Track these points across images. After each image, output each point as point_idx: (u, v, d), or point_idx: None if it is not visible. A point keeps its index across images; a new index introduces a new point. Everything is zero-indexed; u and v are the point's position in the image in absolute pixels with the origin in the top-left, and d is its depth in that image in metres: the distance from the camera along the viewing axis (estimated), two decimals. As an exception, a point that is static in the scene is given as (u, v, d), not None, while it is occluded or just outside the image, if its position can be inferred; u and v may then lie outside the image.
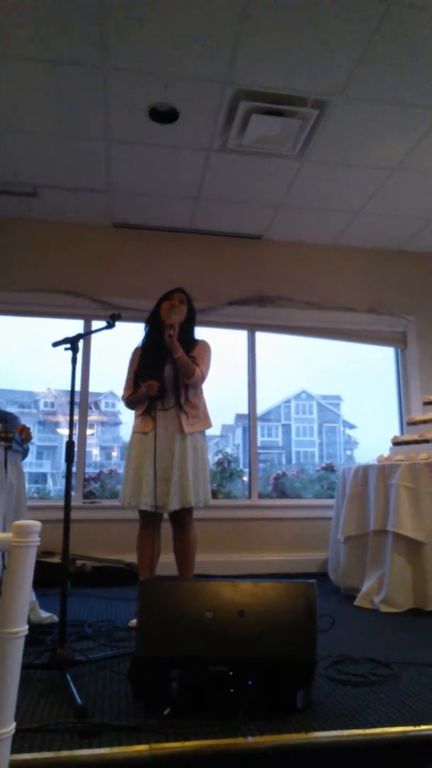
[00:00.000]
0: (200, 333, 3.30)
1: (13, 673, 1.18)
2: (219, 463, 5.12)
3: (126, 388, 3.16)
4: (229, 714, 1.73)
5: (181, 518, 3.03)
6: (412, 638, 2.76)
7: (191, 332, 3.22)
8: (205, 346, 3.20)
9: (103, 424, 5.60)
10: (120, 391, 3.22)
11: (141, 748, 1.57)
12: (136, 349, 3.24)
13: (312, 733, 1.67)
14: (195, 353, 3.11)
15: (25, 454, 3.04)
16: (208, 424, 3.16)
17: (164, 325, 3.01)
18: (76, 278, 4.63)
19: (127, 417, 3.28)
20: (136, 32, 2.77)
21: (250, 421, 4.94)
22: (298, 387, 6.06)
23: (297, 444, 5.98)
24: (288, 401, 6.03)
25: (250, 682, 1.80)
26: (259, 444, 4.97)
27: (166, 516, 3.06)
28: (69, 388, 2.45)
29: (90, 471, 4.86)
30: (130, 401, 3.14)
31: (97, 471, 5.00)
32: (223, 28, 2.73)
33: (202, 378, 3.10)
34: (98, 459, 5.36)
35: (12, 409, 4.56)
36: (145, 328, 3.24)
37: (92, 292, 4.64)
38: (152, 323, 3.19)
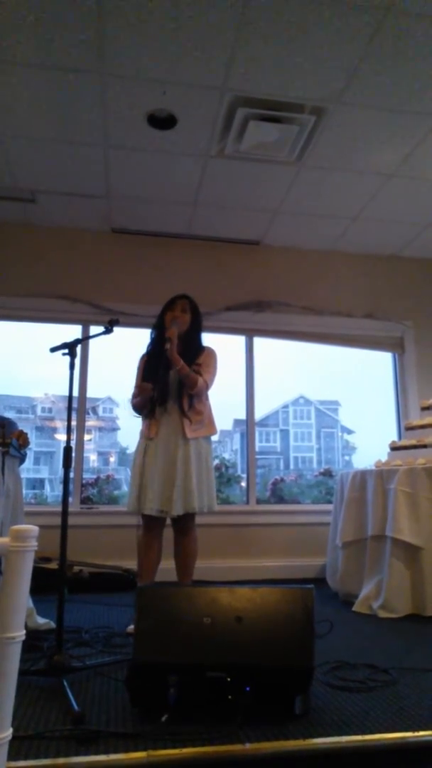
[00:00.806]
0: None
1: (9, 679, 1.18)
2: (217, 468, 5.10)
3: (134, 395, 3.18)
4: (227, 720, 1.73)
5: (184, 523, 3.03)
6: (410, 644, 2.75)
7: (197, 340, 3.23)
8: (210, 354, 3.21)
9: (100, 429, 5.59)
10: (118, 396, 3.23)
11: (138, 754, 1.56)
12: (143, 356, 3.24)
13: (310, 739, 1.66)
14: (200, 361, 3.12)
15: (22, 459, 3.03)
16: (213, 431, 3.17)
17: (166, 336, 3.02)
18: (74, 283, 4.64)
19: (125, 423, 3.29)
20: (134, 38, 2.78)
21: (248, 426, 4.93)
22: (296, 392, 6.07)
23: (295, 449, 5.97)
24: (286, 406, 6.03)
25: (247, 688, 1.79)
26: (257, 449, 4.97)
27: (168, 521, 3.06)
28: (67, 393, 2.45)
29: (87, 477, 4.85)
30: (134, 405, 3.15)
31: (95, 477, 4.99)
32: (221, 34, 2.75)
33: (206, 387, 3.11)
34: (96, 465, 5.35)
35: (9, 415, 4.55)
36: (150, 335, 3.25)
37: (90, 297, 4.64)
38: (157, 330, 3.20)
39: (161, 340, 3.09)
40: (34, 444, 5.28)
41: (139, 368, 3.23)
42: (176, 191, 4.16)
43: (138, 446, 3.12)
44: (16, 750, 1.54)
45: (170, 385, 3.06)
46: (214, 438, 3.31)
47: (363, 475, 3.77)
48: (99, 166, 3.84)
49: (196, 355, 3.14)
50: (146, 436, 3.05)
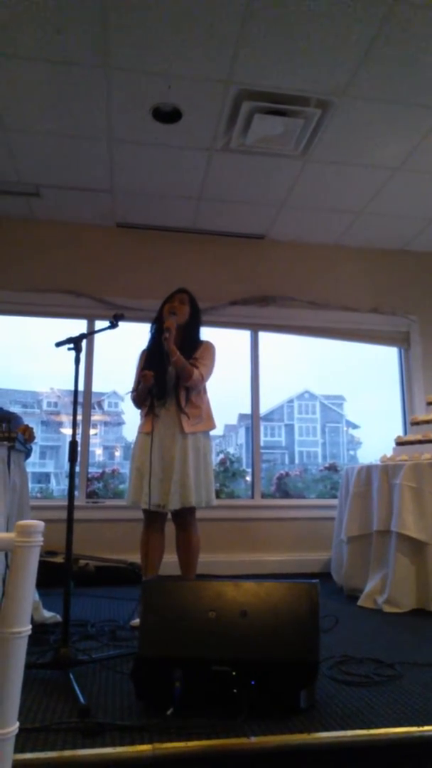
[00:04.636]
0: (203, 333, 3.30)
1: (16, 672, 1.18)
2: (221, 463, 5.12)
3: (133, 388, 3.18)
4: (232, 714, 1.74)
5: (183, 518, 3.04)
6: (415, 638, 2.76)
7: (195, 333, 3.23)
8: (208, 348, 3.20)
9: (106, 423, 5.60)
10: (122, 391, 3.23)
11: (144, 747, 1.57)
12: (143, 352, 3.25)
13: (315, 733, 1.67)
14: (198, 354, 3.12)
15: (28, 454, 3.04)
16: (211, 425, 3.17)
17: (165, 327, 3.02)
18: (78, 278, 4.64)
19: (130, 417, 3.30)
20: (138, 32, 2.77)
21: (252, 420, 4.93)
22: (301, 387, 6.06)
23: (300, 444, 5.97)
24: (291, 401, 6.02)
25: (252, 682, 1.80)
26: (262, 444, 4.96)
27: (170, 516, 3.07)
28: (72, 388, 2.46)
29: (93, 471, 4.86)
30: (135, 398, 3.16)
31: (100, 471, 5.00)
32: (226, 27, 2.73)
33: (201, 380, 3.10)
34: (101, 459, 5.36)
35: (15, 409, 4.56)
36: (150, 330, 3.26)
37: (95, 292, 4.64)
38: (157, 325, 3.21)
39: (160, 334, 3.09)
40: (40, 438, 5.29)
41: (138, 363, 3.23)
42: (181, 185, 4.14)
43: (136, 441, 3.13)
44: (23, 743, 1.55)
45: (168, 380, 3.06)
46: (214, 432, 3.30)
47: (368, 470, 3.77)
48: (103, 160, 3.83)
49: (194, 349, 3.13)
50: (144, 431, 3.06)
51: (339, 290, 5.02)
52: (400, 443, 4.02)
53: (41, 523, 1.23)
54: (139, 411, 3.19)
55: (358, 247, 5.11)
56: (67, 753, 1.55)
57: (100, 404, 5.38)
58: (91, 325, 4.68)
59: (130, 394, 3.18)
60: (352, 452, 5.95)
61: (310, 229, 4.82)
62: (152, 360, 3.10)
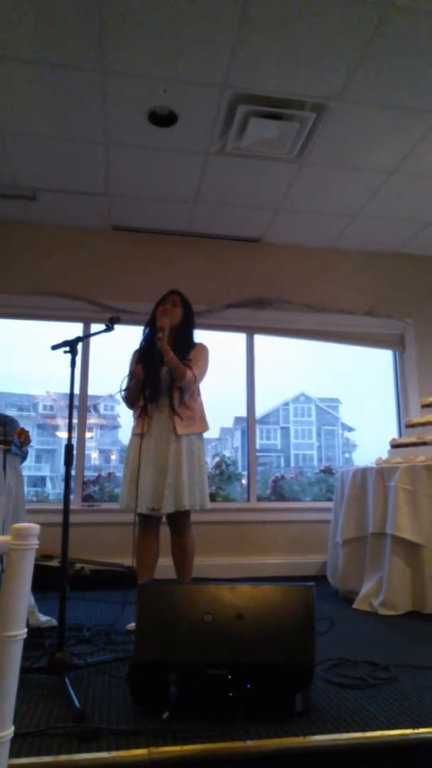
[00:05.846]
0: (199, 336, 3.31)
1: (11, 676, 1.18)
2: (217, 465, 5.12)
3: (125, 387, 3.17)
4: (228, 717, 1.73)
5: (178, 521, 3.04)
6: (410, 641, 2.76)
7: (189, 335, 3.23)
8: (201, 349, 3.20)
9: (102, 427, 5.60)
10: (118, 394, 3.23)
11: (140, 752, 1.57)
12: (135, 352, 3.25)
13: (310, 736, 1.67)
14: (192, 356, 3.12)
15: (23, 457, 3.04)
16: (205, 427, 3.16)
17: (157, 326, 3.02)
18: (75, 281, 4.64)
19: (126, 420, 3.29)
20: (134, 36, 2.77)
21: (248, 423, 4.93)
22: (296, 390, 6.07)
23: (295, 447, 5.97)
24: (286, 404, 6.03)
25: (248, 686, 1.80)
26: (257, 447, 4.97)
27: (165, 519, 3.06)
28: (68, 391, 2.46)
29: (89, 474, 4.86)
30: (126, 398, 3.15)
31: (96, 474, 5.00)
32: (222, 31, 2.74)
33: (195, 380, 3.09)
34: (97, 462, 5.36)
35: (11, 413, 4.56)
36: (143, 332, 3.26)
37: (91, 295, 4.64)
38: (150, 327, 3.21)
39: (153, 336, 3.08)
40: (36, 442, 5.28)
41: (130, 363, 3.23)
42: (177, 188, 4.15)
43: (130, 443, 3.12)
44: (18, 747, 1.54)
45: (161, 381, 3.06)
46: (210, 435, 3.30)
47: (363, 472, 3.77)
48: (100, 163, 3.84)
49: (188, 350, 3.13)
50: (137, 433, 3.05)
51: (334, 293, 5.04)
52: (395, 446, 4.03)
53: (36, 527, 1.23)
54: (132, 412, 3.18)
55: (353, 250, 5.12)
56: (63, 758, 1.54)
57: (95, 407, 5.37)
58: (87, 328, 4.69)
59: (121, 393, 3.17)
60: (347, 455, 5.96)
61: (305, 232, 4.83)
62: (145, 362, 3.10)
